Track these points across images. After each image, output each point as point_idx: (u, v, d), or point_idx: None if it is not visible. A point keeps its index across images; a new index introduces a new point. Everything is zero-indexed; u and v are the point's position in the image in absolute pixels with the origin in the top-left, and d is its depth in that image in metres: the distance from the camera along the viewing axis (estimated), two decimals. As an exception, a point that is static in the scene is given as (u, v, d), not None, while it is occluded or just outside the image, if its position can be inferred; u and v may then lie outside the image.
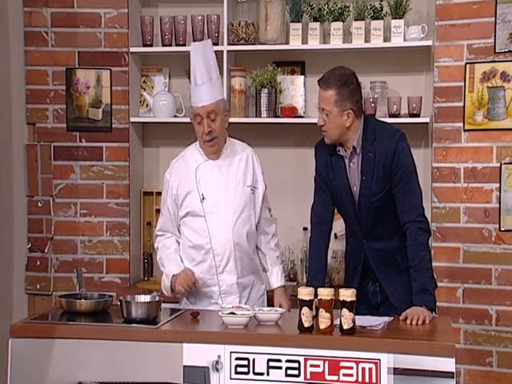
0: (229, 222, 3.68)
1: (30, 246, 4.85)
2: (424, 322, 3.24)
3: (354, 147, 3.54)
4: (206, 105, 3.64)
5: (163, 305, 3.44)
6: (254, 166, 3.80)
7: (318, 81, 3.53)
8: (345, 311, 3.05)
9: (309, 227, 3.83)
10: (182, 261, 3.75)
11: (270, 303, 3.86)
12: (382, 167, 3.50)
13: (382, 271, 3.60)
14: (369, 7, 4.59)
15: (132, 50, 4.79)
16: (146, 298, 3.42)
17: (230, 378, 3.09)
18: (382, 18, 4.57)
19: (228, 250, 3.68)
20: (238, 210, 3.69)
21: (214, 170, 3.72)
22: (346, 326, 3.06)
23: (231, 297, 3.70)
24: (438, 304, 3.48)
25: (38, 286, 4.82)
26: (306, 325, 3.10)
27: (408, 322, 3.25)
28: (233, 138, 3.83)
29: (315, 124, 4.60)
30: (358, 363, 3.00)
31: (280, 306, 3.70)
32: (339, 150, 3.58)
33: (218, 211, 3.68)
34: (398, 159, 3.49)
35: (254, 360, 3.07)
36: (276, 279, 3.86)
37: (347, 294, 3.05)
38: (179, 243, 3.80)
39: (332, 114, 3.47)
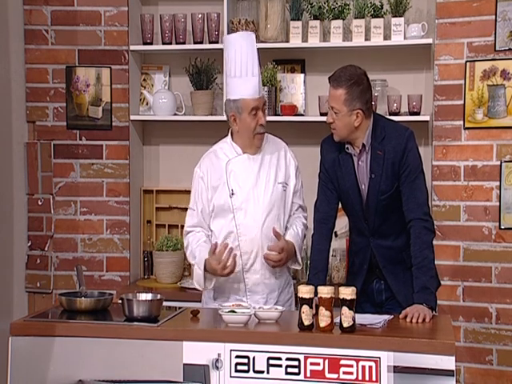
0: (258, 220, 3.62)
1: (30, 244, 4.85)
2: (424, 320, 3.24)
3: (363, 145, 3.54)
4: (261, 96, 3.61)
5: (165, 303, 3.43)
6: (287, 161, 3.73)
7: (329, 78, 3.51)
8: (345, 309, 3.05)
9: (309, 225, 3.82)
10: None
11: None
12: (391, 165, 3.51)
13: (388, 269, 3.60)
14: (369, 5, 4.59)
15: (132, 48, 4.79)
16: (148, 297, 3.42)
17: (230, 376, 3.09)
18: (382, 16, 4.57)
19: (255, 248, 3.62)
20: (267, 208, 3.63)
21: (245, 165, 3.66)
22: (345, 324, 3.06)
23: (257, 296, 3.63)
24: (438, 302, 3.48)
25: (38, 284, 4.83)
26: (306, 323, 3.10)
27: (408, 319, 3.25)
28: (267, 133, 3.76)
29: (315, 122, 4.63)
30: (357, 361, 3.00)
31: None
32: (347, 148, 3.57)
33: (247, 208, 3.62)
34: (407, 157, 3.50)
35: (253, 358, 3.07)
36: (289, 234, 3.67)
37: (347, 292, 3.05)
38: (209, 238, 3.70)
39: (341, 113, 3.46)
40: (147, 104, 4.94)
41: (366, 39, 4.58)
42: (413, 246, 3.47)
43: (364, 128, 3.52)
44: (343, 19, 4.61)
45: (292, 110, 4.71)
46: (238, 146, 3.68)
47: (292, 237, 3.68)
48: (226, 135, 3.78)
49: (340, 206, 3.70)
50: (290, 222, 3.74)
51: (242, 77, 3.59)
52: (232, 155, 3.68)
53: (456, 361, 2.95)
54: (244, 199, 3.63)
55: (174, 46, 4.83)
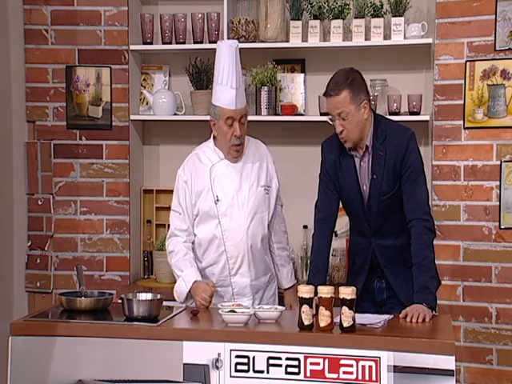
0: (243, 225, 3.67)
1: (30, 243, 4.85)
2: (424, 319, 3.25)
3: (366, 146, 3.54)
4: (240, 108, 3.63)
5: (164, 302, 3.43)
6: (268, 164, 3.79)
7: (326, 92, 3.48)
8: (345, 309, 3.05)
9: (309, 225, 3.83)
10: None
11: (281, 301, 3.88)
12: (393, 165, 3.51)
13: (389, 269, 3.60)
14: (369, 5, 4.59)
15: (132, 47, 4.79)
16: (148, 296, 3.42)
17: (230, 376, 3.09)
18: (382, 16, 4.57)
19: (242, 252, 3.67)
20: (252, 212, 3.69)
21: (229, 170, 3.70)
22: (345, 324, 3.06)
23: (244, 298, 3.68)
24: (438, 302, 3.48)
25: (38, 284, 4.83)
26: (306, 323, 3.10)
27: (408, 319, 3.25)
28: (246, 135, 3.79)
29: (315, 122, 4.63)
30: (357, 361, 3.00)
31: (290, 308, 3.71)
32: (350, 150, 3.57)
33: (232, 213, 3.67)
34: (408, 157, 3.51)
35: (253, 358, 3.07)
36: (287, 279, 3.89)
37: (347, 292, 3.05)
38: (193, 247, 3.75)
39: (350, 113, 3.45)
40: (147, 104, 4.94)
41: (366, 39, 4.58)
42: (413, 246, 3.47)
43: (369, 122, 3.52)
44: (343, 19, 4.61)
45: (292, 109, 4.71)
46: (220, 151, 3.73)
47: (288, 281, 3.89)
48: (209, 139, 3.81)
49: (341, 205, 3.71)
50: (276, 261, 3.86)
51: (222, 85, 3.64)
52: (215, 160, 3.72)
53: (456, 360, 2.96)
54: (229, 205, 3.68)
55: (173, 46, 4.83)
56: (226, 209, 3.67)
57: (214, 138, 3.76)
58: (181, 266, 3.69)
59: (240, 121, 3.64)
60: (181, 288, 3.66)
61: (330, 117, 3.52)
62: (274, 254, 3.87)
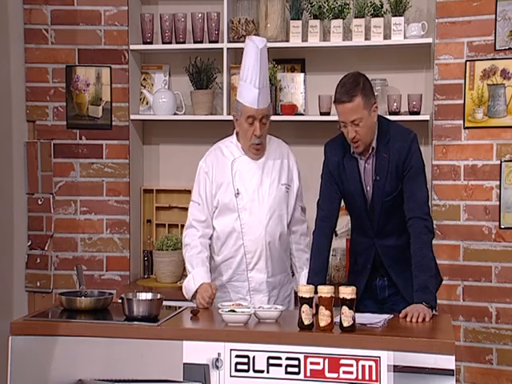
0: (262, 220, 3.67)
1: (30, 243, 4.85)
2: (424, 319, 3.25)
3: (372, 148, 3.54)
4: (262, 108, 3.62)
5: (165, 302, 3.43)
6: (290, 163, 3.78)
7: (337, 99, 3.45)
8: (345, 309, 3.06)
9: (309, 225, 3.82)
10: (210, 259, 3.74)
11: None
12: (395, 167, 3.52)
13: (393, 268, 3.60)
14: (369, 5, 4.59)
15: (132, 47, 4.79)
16: (148, 296, 3.42)
17: (230, 376, 3.09)
18: (382, 16, 4.57)
19: (260, 248, 3.67)
20: (271, 209, 3.68)
21: (251, 165, 3.70)
22: (345, 324, 3.06)
23: (260, 295, 3.69)
24: (438, 301, 3.48)
25: (38, 284, 4.83)
26: (306, 322, 3.10)
27: (408, 319, 3.25)
28: (269, 135, 3.79)
29: (315, 121, 4.63)
30: (357, 361, 3.00)
31: None
32: (353, 152, 3.57)
33: (252, 208, 3.67)
34: (410, 158, 3.51)
35: (253, 357, 3.07)
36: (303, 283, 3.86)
37: (347, 292, 3.05)
38: (211, 242, 3.75)
39: (364, 118, 3.44)
40: (147, 103, 4.94)
41: (366, 39, 4.58)
42: (412, 245, 3.47)
43: (376, 126, 3.52)
44: (343, 18, 4.61)
45: (292, 109, 4.71)
46: (242, 147, 3.72)
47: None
48: (227, 135, 3.82)
49: (342, 204, 3.71)
50: (295, 263, 3.83)
51: (246, 83, 3.63)
52: (237, 154, 3.72)
53: (456, 360, 2.96)
54: (249, 199, 3.67)
55: (173, 46, 4.83)
56: (245, 202, 3.67)
57: (237, 133, 3.75)
58: (193, 262, 3.68)
59: (261, 121, 3.63)
60: (190, 285, 3.66)
61: (340, 124, 3.49)
62: (293, 256, 3.84)
